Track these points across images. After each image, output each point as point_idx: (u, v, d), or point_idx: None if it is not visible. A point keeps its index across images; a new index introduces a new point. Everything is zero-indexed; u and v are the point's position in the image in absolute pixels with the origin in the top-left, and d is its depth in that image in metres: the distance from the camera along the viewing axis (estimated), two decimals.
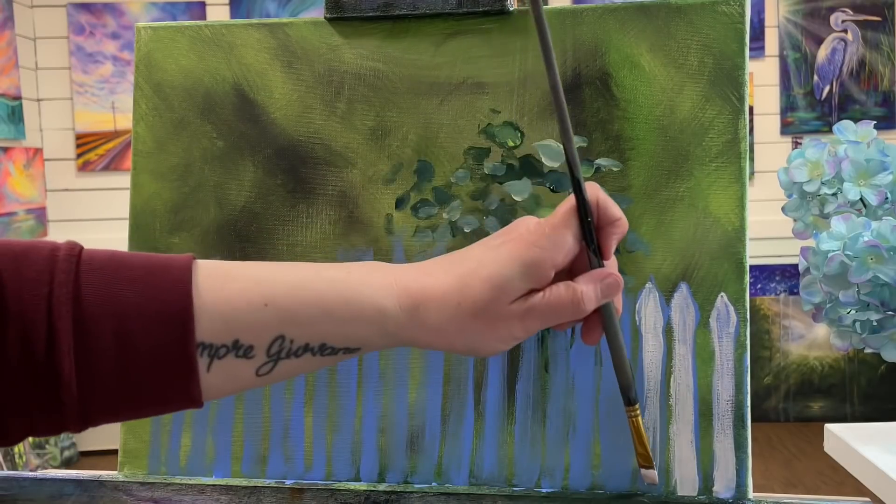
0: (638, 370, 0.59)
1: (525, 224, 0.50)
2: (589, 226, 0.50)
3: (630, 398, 0.54)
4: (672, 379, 0.59)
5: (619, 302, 0.54)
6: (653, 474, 0.55)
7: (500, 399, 0.61)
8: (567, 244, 0.49)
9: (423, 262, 0.51)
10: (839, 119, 1.22)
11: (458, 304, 0.48)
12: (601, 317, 0.53)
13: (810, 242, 0.85)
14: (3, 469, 2.69)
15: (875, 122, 0.88)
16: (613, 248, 0.51)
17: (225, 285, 0.46)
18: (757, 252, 3.20)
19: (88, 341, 0.43)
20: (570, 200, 0.50)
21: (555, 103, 0.50)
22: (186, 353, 0.44)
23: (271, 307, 0.46)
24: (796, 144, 3.36)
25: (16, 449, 2.81)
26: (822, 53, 3.37)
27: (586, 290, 0.50)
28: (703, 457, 0.58)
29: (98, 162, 3.24)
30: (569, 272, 0.52)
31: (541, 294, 0.49)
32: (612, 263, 0.52)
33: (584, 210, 0.50)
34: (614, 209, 0.51)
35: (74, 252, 0.44)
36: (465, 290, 0.48)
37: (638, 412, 0.54)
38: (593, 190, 0.51)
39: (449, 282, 0.49)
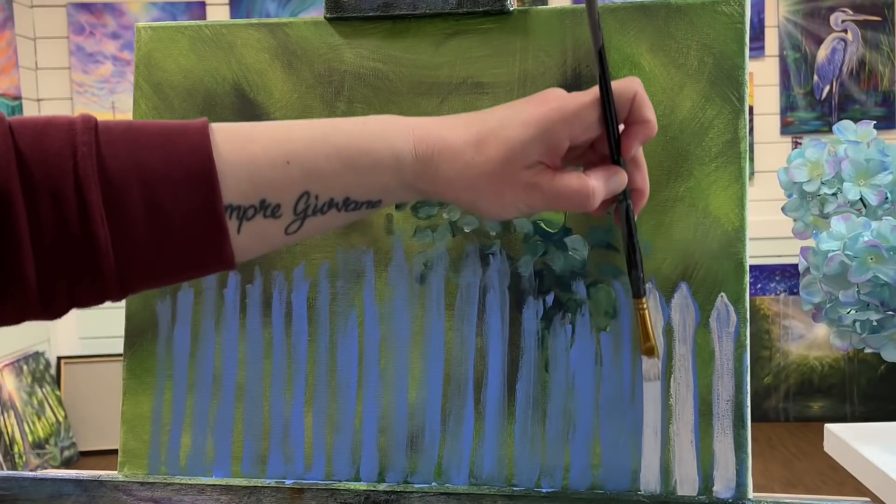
0: (638, 370, 0.59)
1: (554, 92, 0.50)
2: (610, 106, 0.49)
3: (640, 290, 0.53)
4: (672, 379, 0.59)
5: (638, 207, 0.54)
6: (656, 368, 0.54)
7: (500, 399, 0.61)
8: (587, 120, 0.49)
9: (447, 116, 0.51)
10: (839, 119, 1.22)
11: (471, 159, 0.48)
12: (619, 215, 0.53)
13: (810, 242, 0.85)
14: (3, 469, 2.69)
15: (875, 122, 0.88)
16: (634, 148, 0.51)
17: (245, 146, 0.47)
18: (757, 252, 3.20)
19: (120, 210, 0.44)
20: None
21: None
22: (216, 216, 0.45)
23: (294, 164, 0.47)
24: (796, 144, 3.36)
25: (16, 449, 2.81)
26: (822, 53, 3.37)
27: (597, 185, 0.49)
28: (703, 457, 0.58)
29: None
30: (585, 163, 0.52)
31: (551, 175, 0.49)
32: (641, 167, 0.52)
33: (604, 87, 0.49)
34: (647, 110, 0.50)
35: (91, 125, 0.45)
36: (481, 147, 0.48)
37: (645, 305, 0.53)
38: (632, 84, 0.50)
39: (467, 137, 0.49)
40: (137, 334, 0.66)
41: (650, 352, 0.53)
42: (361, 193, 0.49)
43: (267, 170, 0.46)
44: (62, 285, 0.44)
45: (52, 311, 0.45)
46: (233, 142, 0.46)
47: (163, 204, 0.44)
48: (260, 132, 0.48)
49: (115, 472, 0.65)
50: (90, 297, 0.45)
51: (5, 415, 2.81)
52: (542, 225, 0.62)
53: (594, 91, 0.49)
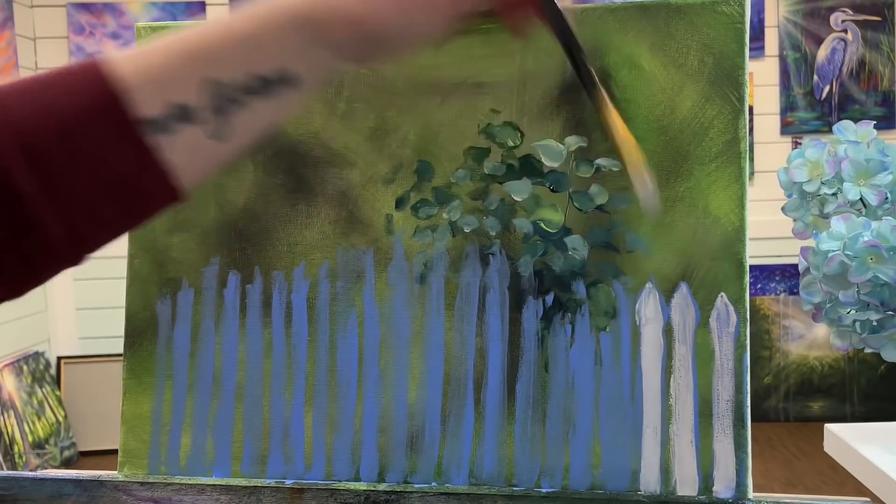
0: (638, 370, 0.59)
1: None
2: None
3: (593, 83, 0.50)
4: (672, 379, 0.59)
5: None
6: (651, 197, 0.52)
7: (500, 399, 0.61)
8: None
9: None
10: (839, 119, 1.22)
11: None
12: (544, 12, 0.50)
13: (810, 242, 0.85)
14: (3, 469, 2.69)
15: (875, 122, 0.88)
16: None
17: (136, 56, 0.45)
18: (757, 252, 3.20)
19: (38, 158, 0.41)
20: None
21: None
22: (133, 134, 0.43)
23: (187, 53, 0.45)
24: (796, 144, 3.36)
25: (15, 448, 2.81)
26: (822, 53, 3.37)
27: None
28: (703, 457, 0.58)
29: None
30: None
31: None
32: None
33: None
34: None
35: None
36: None
37: (606, 100, 0.50)
38: None
39: None
40: (137, 334, 0.66)
41: (641, 177, 0.51)
42: (265, 62, 0.45)
43: (163, 69, 0.44)
44: (10, 257, 0.42)
45: (13, 287, 0.43)
46: (130, 54, 0.45)
47: (76, 137, 0.42)
48: (156, 40, 0.46)
49: (115, 472, 0.65)
50: (47, 263, 0.43)
51: (5, 415, 2.82)
52: (542, 225, 0.62)
53: None
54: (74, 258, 0.44)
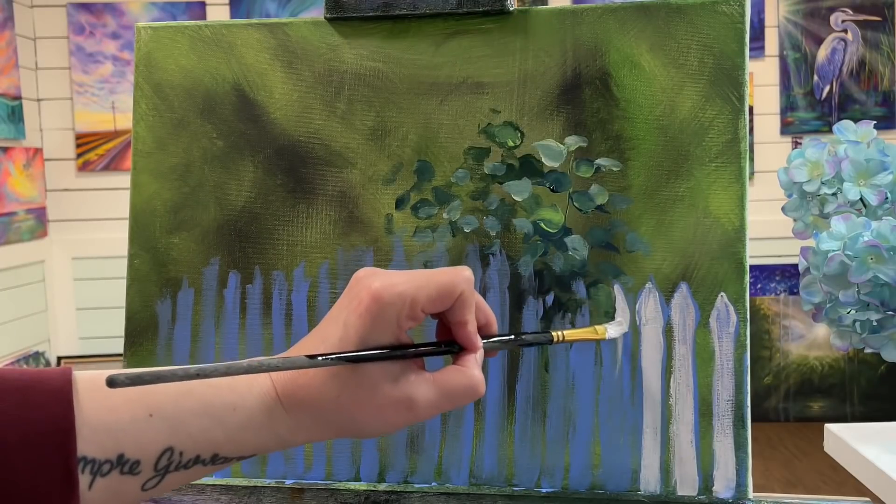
0: (638, 370, 0.59)
1: (361, 288, 0.46)
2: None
3: (550, 338, 0.53)
4: (672, 379, 0.59)
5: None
6: (619, 327, 0.56)
7: (500, 399, 0.61)
8: (413, 310, 0.46)
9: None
10: (839, 119, 1.22)
11: (336, 397, 0.45)
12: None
13: (810, 242, 0.85)
14: None
15: (875, 122, 0.88)
16: (475, 338, 0.48)
17: (108, 396, 0.43)
18: (757, 252, 3.20)
19: None
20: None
21: None
22: (67, 469, 0.41)
23: (157, 417, 0.43)
24: (796, 144, 3.35)
25: None
26: (822, 53, 3.37)
27: (478, 373, 0.47)
28: (703, 457, 0.58)
29: (98, 162, 3.24)
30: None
31: (424, 385, 0.46)
32: (482, 314, 0.50)
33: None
34: (464, 311, 0.47)
35: None
36: (336, 379, 0.45)
37: (561, 337, 0.53)
38: (457, 280, 0.47)
39: (323, 379, 0.46)
40: (137, 334, 0.66)
41: (600, 332, 0.55)
42: (232, 450, 0.45)
43: (127, 423, 0.43)
44: None
45: None
46: (94, 390, 0.43)
47: (10, 451, 0.40)
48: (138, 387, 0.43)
49: None
50: None
51: None
52: (542, 225, 0.62)
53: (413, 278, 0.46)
54: None
